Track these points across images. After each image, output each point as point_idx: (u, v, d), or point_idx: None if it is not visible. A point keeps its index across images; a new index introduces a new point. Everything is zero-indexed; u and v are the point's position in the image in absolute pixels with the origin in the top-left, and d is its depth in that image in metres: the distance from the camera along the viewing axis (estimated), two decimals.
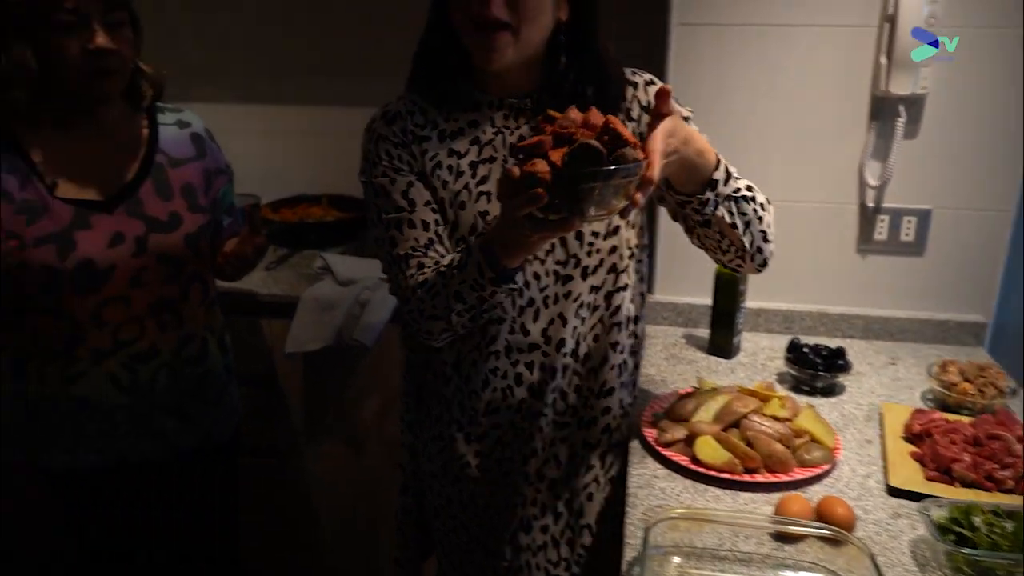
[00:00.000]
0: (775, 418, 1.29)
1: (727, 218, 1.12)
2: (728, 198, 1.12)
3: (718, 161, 1.11)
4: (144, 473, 1.56)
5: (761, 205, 1.16)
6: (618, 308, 1.27)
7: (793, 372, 1.54)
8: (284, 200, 2.42)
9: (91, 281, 1.37)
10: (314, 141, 2.48)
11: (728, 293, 1.64)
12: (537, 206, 0.89)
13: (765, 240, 1.18)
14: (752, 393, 1.37)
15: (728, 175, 1.12)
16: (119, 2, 1.32)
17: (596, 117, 0.91)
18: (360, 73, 2.38)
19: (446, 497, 1.37)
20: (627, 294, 1.27)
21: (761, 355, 1.70)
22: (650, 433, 1.33)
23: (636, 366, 1.36)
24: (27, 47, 1.28)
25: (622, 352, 1.29)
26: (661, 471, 1.27)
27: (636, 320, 1.32)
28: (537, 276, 1.21)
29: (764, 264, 1.21)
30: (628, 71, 1.24)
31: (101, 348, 1.41)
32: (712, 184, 1.10)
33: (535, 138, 0.90)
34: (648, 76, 1.26)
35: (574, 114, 0.92)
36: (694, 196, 1.10)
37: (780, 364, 1.63)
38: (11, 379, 1.46)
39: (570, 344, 1.25)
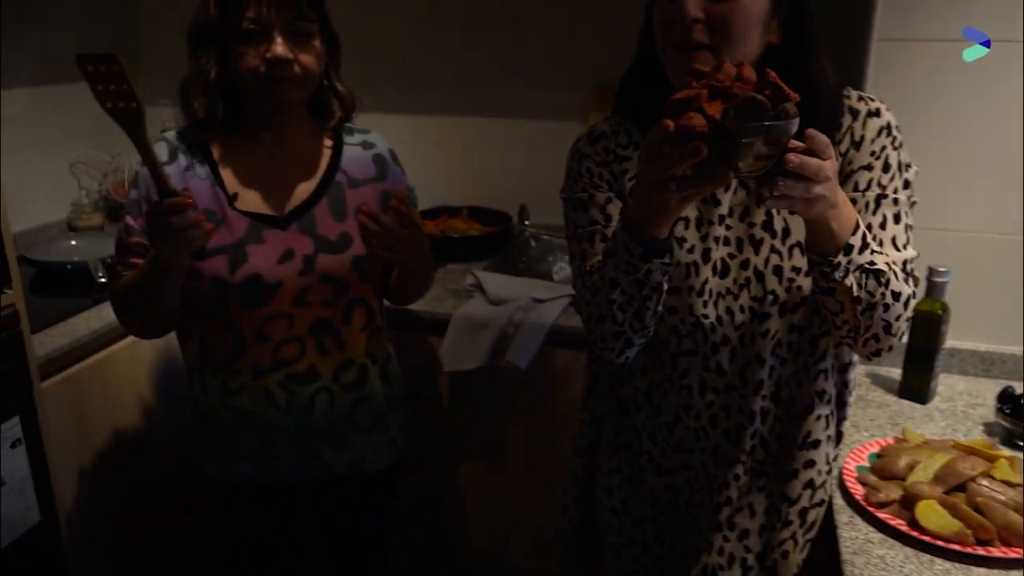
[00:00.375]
0: (1007, 483, 1.16)
1: (854, 290, 0.99)
2: (860, 268, 0.99)
3: (857, 224, 0.98)
4: (300, 492, 1.54)
5: (894, 293, 1.01)
6: (824, 353, 1.16)
7: (1007, 424, 1.39)
8: (425, 212, 2.39)
9: (257, 296, 1.36)
10: (453, 152, 2.44)
11: (928, 331, 1.50)
12: (695, 160, 0.85)
13: (888, 331, 1.03)
14: (973, 451, 1.24)
15: (865, 243, 0.99)
16: (307, 14, 1.30)
17: (749, 71, 0.87)
18: (501, 85, 2.33)
19: (628, 537, 1.29)
20: (833, 338, 1.16)
21: (960, 401, 1.55)
22: (857, 490, 1.22)
23: (843, 418, 1.25)
24: (212, 55, 1.30)
25: (829, 402, 1.19)
26: (875, 535, 1.15)
27: (846, 368, 1.21)
28: (731, 312, 1.13)
29: (877, 354, 1.08)
30: (855, 96, 1.13)
31: (261, 364, 1.39)
32: (847, 248, 0.97)
33: (690, 91, 0.85)
34: (875, 106, 1.12)
35: (728, 68, 0.87)
36: (826, 258, 0.98)
37: (984, 412, 1.48)
38: (188, 388, 1.47)
39: (768, 387, 1.15)
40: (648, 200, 0.94)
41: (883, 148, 1.10)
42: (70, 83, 2.40)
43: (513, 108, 2.36)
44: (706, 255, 1.12)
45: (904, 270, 1.05)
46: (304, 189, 1.40)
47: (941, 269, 1.48)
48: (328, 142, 1.45)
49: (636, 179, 0.98)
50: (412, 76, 2.39)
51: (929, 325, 1.49)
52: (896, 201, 1.09)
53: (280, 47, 1.27)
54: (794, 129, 0.85)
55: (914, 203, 1.12)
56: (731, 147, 0.83)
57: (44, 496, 1.58)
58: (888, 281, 1.00)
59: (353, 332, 1.44)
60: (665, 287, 1.06)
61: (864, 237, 0.99)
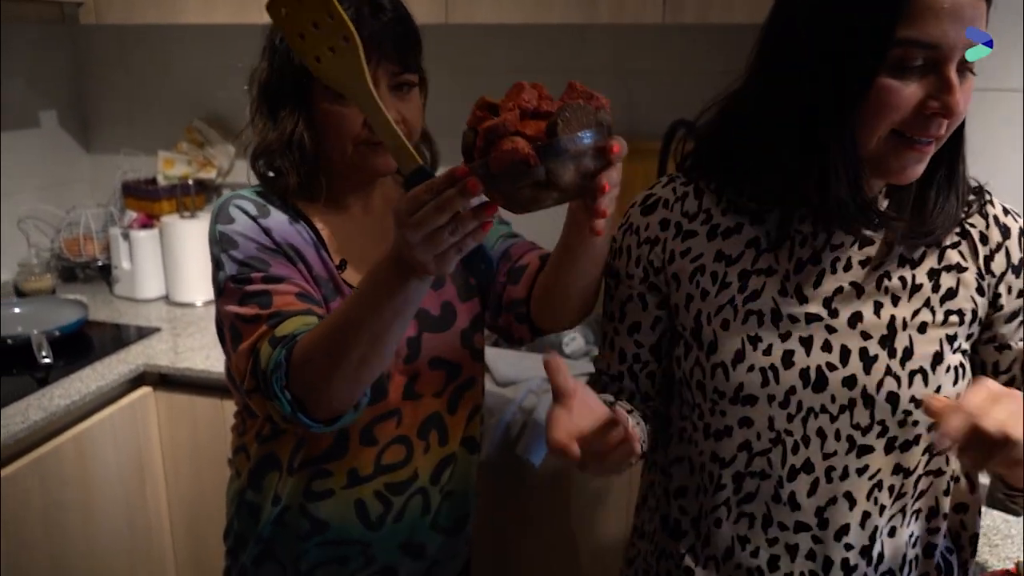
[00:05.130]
0: None
1: None
2: None
3: None
4: None
5: None
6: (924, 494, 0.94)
7: None
8: None
9: (374, 388, 1.05)
10: None
11: None
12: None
13: None
14: None
15: None
16: (412, 64, 1.06)
17: (546, 91, 0.80)
18: None
19: None
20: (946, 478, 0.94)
21: None
22: None
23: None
24: (298, 115, 1.05)
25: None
26: None
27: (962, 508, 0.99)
28: (823, 435, 0.90)
29: None
30: (1000, 205, 0.93)
31: (361, 470, 1.13)
32: None
33: (497, 119, 0.76)
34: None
35: (529, 89, 0.79)
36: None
37: None
38: (247, 491, 1.18)
39: (857, 536, 0.92)
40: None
41: None
42: (19, 130, 2.16)
43: None
44: (787, 358, 0.91)
45: None
46: None
47: None
48: None
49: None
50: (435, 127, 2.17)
51: None
52: None
53: (391, 109, 1.00)
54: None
55: None
56: (563, 163, 0.75)
57: None
58: None
59: (457, 421, 1.18)
60: None
61: None
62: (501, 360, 1.71)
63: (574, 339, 1.88)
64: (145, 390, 1.81)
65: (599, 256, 0.99)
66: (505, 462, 1.61)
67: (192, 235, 2.09)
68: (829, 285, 0.91)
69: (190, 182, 2.23)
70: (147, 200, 2.26)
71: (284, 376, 0.94)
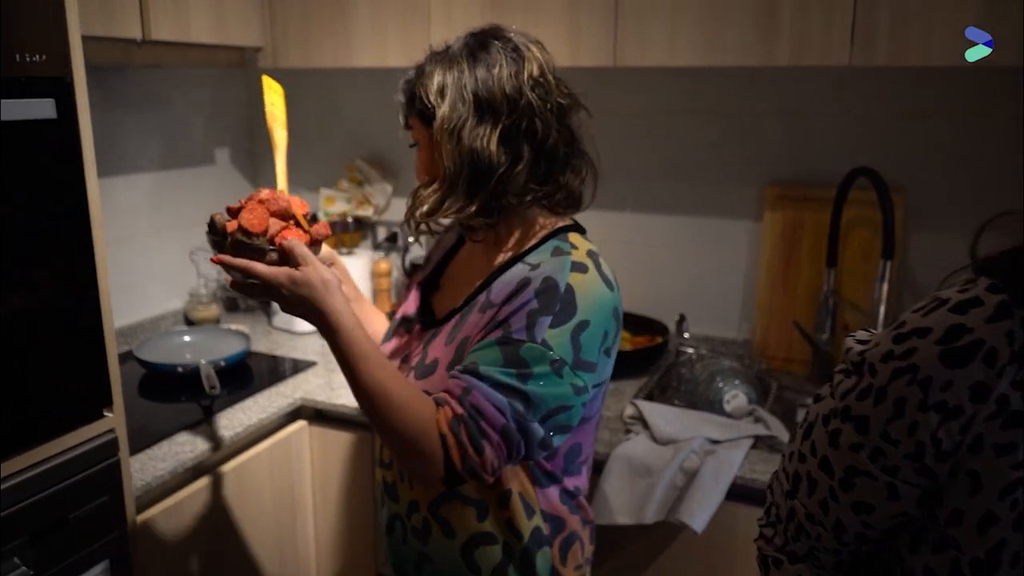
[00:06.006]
0: None
1: None
2: None
3: None
4: None
5: None
6: None
7: None
8: None
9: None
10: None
11: None
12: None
13: None
14: None
15: None
16: (408, 121, 1.18)
17: (288, 203, 1.07)
18: (660, 176, 2.05)
19: None
20: None
21: None
22: None
23: None
24: None
25: None
26: None
27: None
28: None
29: None
30: None
31: (376, 450, 1.32)
32: None
33: (235, 206, 1.06)
34: None
35: (277, 193, 1.07)
36: None
37: None
38: None
39: None
40: None
41: None
42: (198, 166, 2.29)
43: (673, 202, 2.07)
44: None
45: None
46: (460, 299, 1.20)
47: None
48: (509, 254, 1.18)
49: None
50: None
51: None
52: None
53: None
54: (260, 255, 1.03)
55: None
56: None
57: None
58: None
59: (406, 487, 1.24)
60: None
61: None
62: (660, 416, 1.62)
63: (736, 396, 1.77)
64: (301, 424, 1.83)
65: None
66: (663, 526, 1.52)
67: (350, 271, 2.12)
68: None
69: (349, 219, 2.28)
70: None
71: None
